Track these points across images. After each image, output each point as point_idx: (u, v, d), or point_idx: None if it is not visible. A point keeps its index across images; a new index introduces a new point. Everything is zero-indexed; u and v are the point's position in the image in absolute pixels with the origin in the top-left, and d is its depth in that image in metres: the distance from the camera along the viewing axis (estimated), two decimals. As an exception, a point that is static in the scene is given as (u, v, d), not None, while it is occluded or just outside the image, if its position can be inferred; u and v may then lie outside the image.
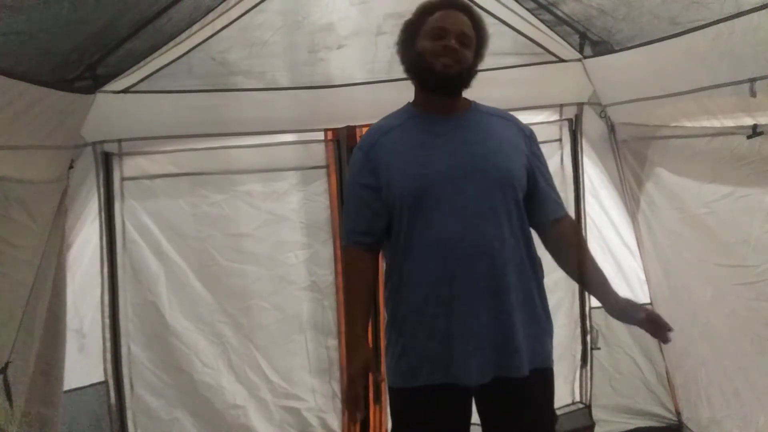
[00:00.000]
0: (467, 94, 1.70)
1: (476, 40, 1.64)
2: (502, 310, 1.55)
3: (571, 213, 2.75)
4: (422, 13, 1.66)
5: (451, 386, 1.57)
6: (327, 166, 2.78)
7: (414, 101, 1.72)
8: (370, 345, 2.81)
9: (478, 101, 1.72)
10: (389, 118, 1.72)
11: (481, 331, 1.54)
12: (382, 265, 1.74)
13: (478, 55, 1.66)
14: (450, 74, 1.59)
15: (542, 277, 1.67)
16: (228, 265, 2.72)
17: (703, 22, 1.86)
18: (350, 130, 2.73)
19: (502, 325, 1.55)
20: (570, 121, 2.87)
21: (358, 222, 1.66)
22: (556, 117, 2.86)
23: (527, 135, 1.70)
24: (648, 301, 2.90)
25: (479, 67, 1.69)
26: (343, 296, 1.70)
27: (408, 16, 1.71)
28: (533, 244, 1.66)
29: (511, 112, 1.76)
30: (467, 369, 1.54)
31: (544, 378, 1.64)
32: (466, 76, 1.63)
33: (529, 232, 1.65)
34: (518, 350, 1.56)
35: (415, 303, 1.58)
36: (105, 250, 2.59)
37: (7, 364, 1.81)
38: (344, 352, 2.82)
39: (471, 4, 1.71)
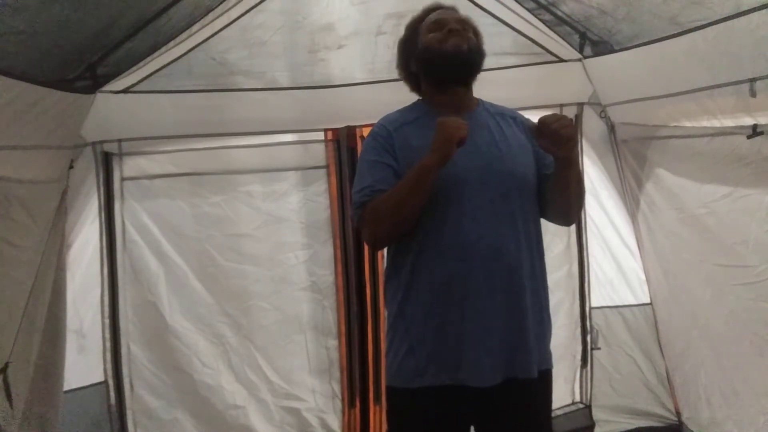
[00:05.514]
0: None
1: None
2: (517, 311, 1.54)
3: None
4: (418, 19, 1.69)
5: (454, 388, 1.54)
6: (327, 167, 2.78)
7: (423, 99, 1.70)
8: (370, 345, 2.86)
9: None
10: (401, 113, 1.69)
11: (494, 332, 1.52)
12: (382, 265, 1.74)
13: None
14: (462, 51, 1.58)
15: (546, 279, 1.67)
16: (228, 266, 2.72)
17: (703, 22, 1.87)
18: (350, 130, 2.74)
19: (517, 326, 1.54)
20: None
21: (377, 177, 1.57)
22: (556, 117, 2.86)
23: (528, 126, 1.67)
24: (648, 301, 2.90)
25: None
26: (385, 209, 1.53)
27: (408, 16, 1.72)
28: (543, 246, 1.66)
29: None
30: (479, 370, 1.52)
31: (546, 380, 1.64)
32: (477, 56, 1.62)
33: (540, 235, 1.65)
34: (531, 351, 1.55)
35: (427, 301, 1.55)
36: (105, 250, 2.59)
37: (7, 364, 1.81)
38: (344, 352, 2.83)
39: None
